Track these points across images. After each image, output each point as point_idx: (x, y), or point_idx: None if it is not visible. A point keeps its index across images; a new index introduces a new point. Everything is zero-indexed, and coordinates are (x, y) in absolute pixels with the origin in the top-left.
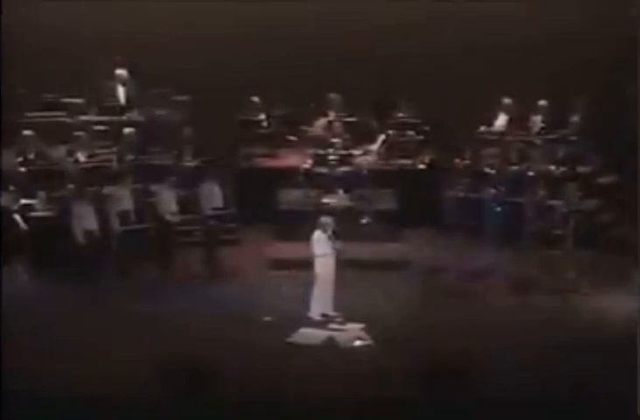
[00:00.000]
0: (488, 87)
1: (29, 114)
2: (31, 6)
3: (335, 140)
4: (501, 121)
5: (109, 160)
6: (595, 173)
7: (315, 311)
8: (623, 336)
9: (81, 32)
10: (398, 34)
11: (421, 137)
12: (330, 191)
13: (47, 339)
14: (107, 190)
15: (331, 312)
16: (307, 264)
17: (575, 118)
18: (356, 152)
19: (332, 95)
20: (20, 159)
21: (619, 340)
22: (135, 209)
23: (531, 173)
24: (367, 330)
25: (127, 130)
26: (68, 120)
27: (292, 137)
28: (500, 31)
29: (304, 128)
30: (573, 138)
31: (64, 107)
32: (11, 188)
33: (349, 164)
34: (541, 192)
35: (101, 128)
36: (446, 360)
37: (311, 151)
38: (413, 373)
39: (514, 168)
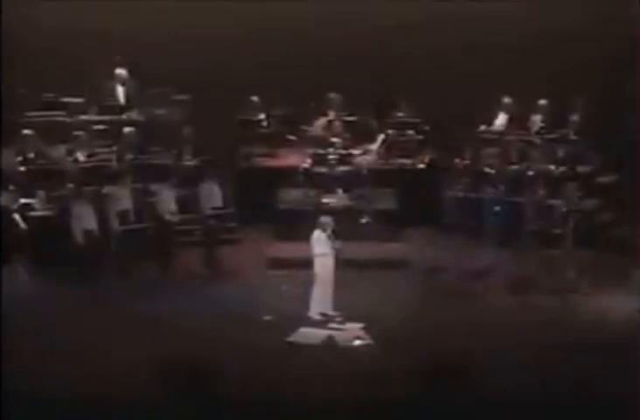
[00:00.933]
0: (488, 87)
1: (29, 113)
2: (31, 6)
3: (335, 139)
4: (501, 120)
5: (109, 160)
6: (595, 173)
7: (314, 311)
8: (623, 336)
9: (81, 32)
10: (398, 34)
11: (421, 137)
12: (329, 190)
13: (47, 339)
14: (106, 189)
15: (331, 312)
16: (307, 264)
17: (575, 118)
18: (356, 152)
19: (332, 95)
20: (20, 159)
21: (619, 340)
22: (135, 209)
23: (530, 173)
24: (367, 329)
25: (126, 130)
26: (68, 119)
27: (292, 137)
28: (500, 31)
29: (304, 127)
30: (573, 138)
31: (63, 106)
32: (11, 187)
33: (348, 163)
34: (541, 192)
35: (101, 127)
36: (446, 360)
37: (311, 151)
38: (413, 373)
39: (514, 168)
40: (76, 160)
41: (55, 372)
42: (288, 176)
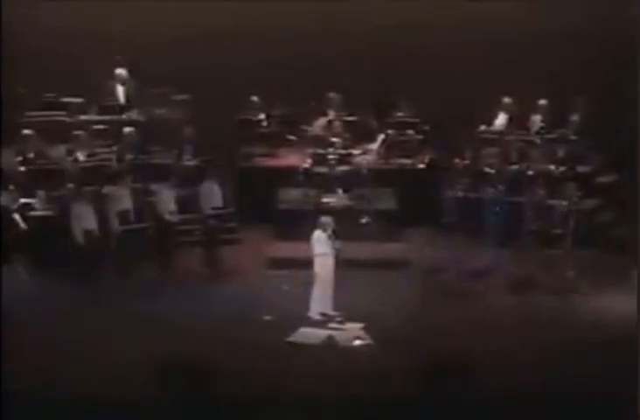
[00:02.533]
0: (488, 87)
1: (29, 113)
2: (31, 6)
3: (334, 139)
4: (501, 120)
5: (109, 159)
6: (595, 173)
7: (314, 311)
8: (623, 336)
9: (81, 32)
10: (398, 34)
11: (421, 137)
12: (329, 190)
13: (47, 339)
14: (106, 189)
15: (331, 312)
16: (307, 264)
17: (575, 118)
18: (355, 152)
19: (332, 95)
20: (20, 158)
21: (619, 340)
22: (135, 209)
23: (530, 173)
24: (367, 329)
25: (126, 130)
26: (68, 119)
27: (292, 137)
28: (500, 31)
29: (304, 127)
30: (573, 138)
31: (63, 106)
32: (11, 187)
33: (348, 163)
34: (541, 192)
35: (101, 127)
36: (446, 359)
37: (311, 151)
38: (413, 372)
39: (514, 167)
40: (76, 160)
41: (55, 372)
42: (288, 176)
